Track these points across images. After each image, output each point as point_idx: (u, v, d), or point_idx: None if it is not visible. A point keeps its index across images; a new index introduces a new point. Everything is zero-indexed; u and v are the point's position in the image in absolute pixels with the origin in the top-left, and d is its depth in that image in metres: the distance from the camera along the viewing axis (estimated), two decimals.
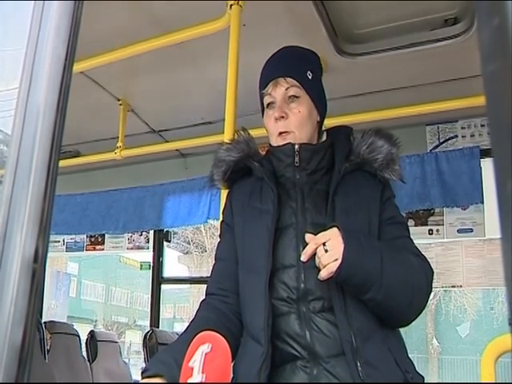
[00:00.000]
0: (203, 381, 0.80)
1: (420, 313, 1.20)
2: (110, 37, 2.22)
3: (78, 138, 3.34)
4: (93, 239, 3.98)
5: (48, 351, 2.99)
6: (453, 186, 2.66)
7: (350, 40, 2.22)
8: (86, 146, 3.46)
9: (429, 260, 1.24)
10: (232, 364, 1.15)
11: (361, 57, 2.25)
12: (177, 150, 3.42)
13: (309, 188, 1.27)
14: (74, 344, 3.28)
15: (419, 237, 2.71)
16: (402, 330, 1.24)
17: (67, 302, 13.97)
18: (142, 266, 4.11)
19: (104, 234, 3.89)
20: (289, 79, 1.29)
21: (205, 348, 0.83)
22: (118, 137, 2.99)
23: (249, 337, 1.21)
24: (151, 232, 3.73)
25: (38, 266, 0.50)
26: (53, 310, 12.28)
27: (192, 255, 15.78)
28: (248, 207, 1.31)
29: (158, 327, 3.54)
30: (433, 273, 1.22)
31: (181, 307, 17.89)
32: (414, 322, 1.21)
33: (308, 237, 1.15)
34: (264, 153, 1.39)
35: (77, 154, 3.56)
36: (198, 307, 1.30)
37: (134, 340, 16.97)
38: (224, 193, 1.50)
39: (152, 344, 2.95)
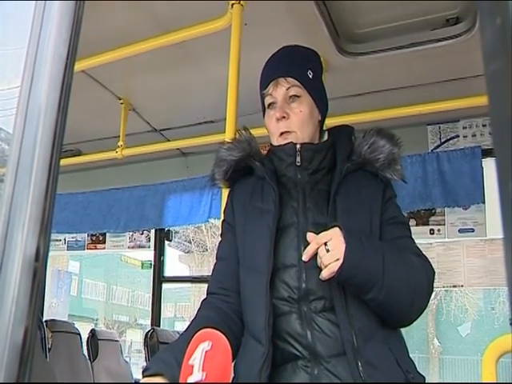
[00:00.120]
0: (203, 379, 0.80)
1: (421, 313, 1.20)
2: (112, 36, 2.22)
3: (79, 136, 3.34)
4: (94, 238, 3.98)
5: (49, 350, 2.99)
6: (454, 186, 2.66)
7: (352, 39, 2.22)
8: (88, 145, 3.46)
9: (430, 260, 1.23)
10: (233, 363, 1.15)
11: (362, 56, 2.25)
12: (178, 149, 3.42)
13: (310, 188, 1.27)
14: (75, 343, 3.28)
15: (420, 236, 2.71)
16: (402, 329, 1.24)
17: (68, 301, 13.99)
18: (143, 264, 4.12)
19: (105, 233, 3.90)
20: (289, 79, 1.29)
21: (205, 346, 0.83)
22: (119, 136, 2.99)
23: (250, 336, 1.21)
24: (152, 231, 3.73)
25: (39, 264, 0.50)
26: (54, 308, 12.30)
27: (193, 254, 15.80)
28: (249, 207, 1.31)
29: (158, 326, 3.54)
30: (434, 273, 1.21)
31: (182, 306, 17.91)
32: (415, 322, 1.21)
33: (310, 236, 1.15)
34: (265, 152, 1.39)
35: (78, 153, 3.56)
36: (198, 306, 1.30)
37: (134, 339, 16.98)
38: (225, 192, 1.50)
39: (153, 343, 2.96)
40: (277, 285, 1.19)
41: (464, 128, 2.78)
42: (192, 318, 1.26)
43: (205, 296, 1.33)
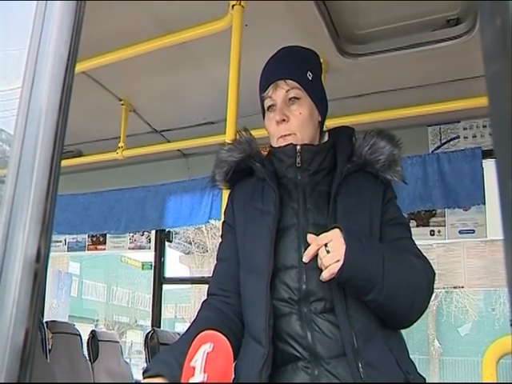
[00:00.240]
0: (205, 380, 0.80)
1: (421, 314, 1.20)
2: (112, 37, 2.22)
3: (80, 137, 3.34)
4: (94, 239, 3.98)
5: (49, 351, 2.99)
6: (454, 187, 2.66)
7: (352, 40, 2.22)
8: (88, 146, 3.46)
9: (430, 261, 1.23)
10: (233, 365, 1.15)
11: (362, 57, 2.25)
12: (178, 150, 3.42)
13: (310, 189, 1.27)
14: (76, 344, 3.28)
15: (421, 238, 2.71)
16: (403, 331, 1.24)
17: (69, 302, 14.00)
18: (143, 265, 4.11)
19: (105, 234, 3.90)
20: (289, 81, 1.28)
21: (207, 347, 0.83)
22: (119, 137, 2.99)
23: (250, 337, 1.21)
24: (153, 232, 3.73)
25: (40, 265, 0.50)
26: (54, 309, 12.31)
27: (193, 255, 15.79)
28: (249, 208, 1.31)
29: (159, 327, 3.54)
30: (434, 274, 1.21)
31: (182, 307, 17.89)
32: (415, 323, 1.21)
33: (310, 237, 1.15)
34: (266, 153, 1.39)
35: (79, 154, 3.57)
36: (199, 307, 1.30)
37: (135, 340, 16.98)
38: (226, 193, 1.50)
39: (153, 344, 2.96)
40: (277, 286, 1.19)
41: (464, 129, 2.78)
42: (192, 319, 1.26)
43: (205, 297, 1.33)
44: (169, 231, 3.74)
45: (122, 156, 3.02)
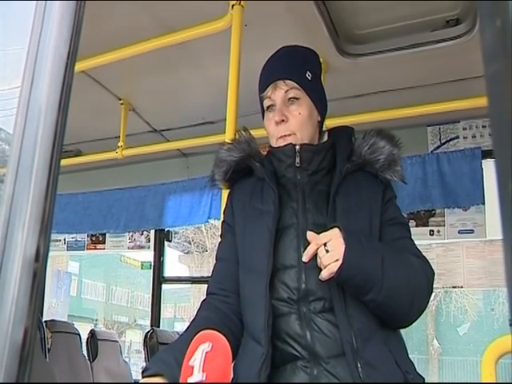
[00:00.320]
0: (204, 380, 0.80)
1: (421, 314, 1.20)
2: (112, 36, 2.22)
3: (79, 137, 3.34)
4: (94, 238, 3.98)
5: (49, 350, 2.99)
6: (454, 187, 2.66)
7: (352, 40, 2.22)
8: (88, 146, 3.46)
9: (429, 261, 1.23)
10: (232, 364, 1.15)
11: (362, 57, 2.25)
12: (178, 149, 3.42)
13: (310, 188, 1.27)
14: (75, 343, 3.28)
15: (420, 237, 2.71)
16: (402, 330, 1.24)
17: (68, 301, 13.99)
18: (142, 265, 4.11)
19: (105, 233, 3.90)
20: (288, 81, 1.28)
21: (205, 347, 0.83)
22: (119, 136, 2.99)
23: (249, 337, 1.21)
24: (152, 231, 3.74)
25: (39, 265, 0.50)
26: (53, 308, 12.30)
27: (193, 255, 15.78)
28: (249, 207, 1.31)
29: (158, 327, 3.54)
30: (434, 274, 1.21)
31: (181, 307, 17.89)
32: (414, 323, 1.21)
33: (310, 234, 1.14)
34: (265, 153, 1.39)
35: (78, 153, 3.57)
36: (198, 307, 1.30)
37: (134, 339, 16.97)
38: (225, 193, 1.50)
39: (152, 343, 2.96)
40: (276, 286, 1.19)
41: (464, 129, 2.79)
42: (192, 319, 1.26)
43: (204, 297, 1.33)
44: (168, 231, 3.75)
45: (122, 155, 3.02)
